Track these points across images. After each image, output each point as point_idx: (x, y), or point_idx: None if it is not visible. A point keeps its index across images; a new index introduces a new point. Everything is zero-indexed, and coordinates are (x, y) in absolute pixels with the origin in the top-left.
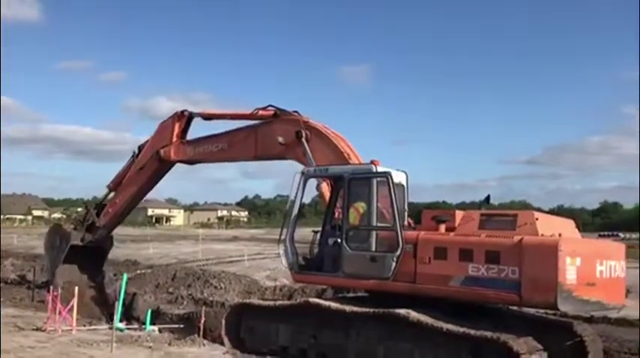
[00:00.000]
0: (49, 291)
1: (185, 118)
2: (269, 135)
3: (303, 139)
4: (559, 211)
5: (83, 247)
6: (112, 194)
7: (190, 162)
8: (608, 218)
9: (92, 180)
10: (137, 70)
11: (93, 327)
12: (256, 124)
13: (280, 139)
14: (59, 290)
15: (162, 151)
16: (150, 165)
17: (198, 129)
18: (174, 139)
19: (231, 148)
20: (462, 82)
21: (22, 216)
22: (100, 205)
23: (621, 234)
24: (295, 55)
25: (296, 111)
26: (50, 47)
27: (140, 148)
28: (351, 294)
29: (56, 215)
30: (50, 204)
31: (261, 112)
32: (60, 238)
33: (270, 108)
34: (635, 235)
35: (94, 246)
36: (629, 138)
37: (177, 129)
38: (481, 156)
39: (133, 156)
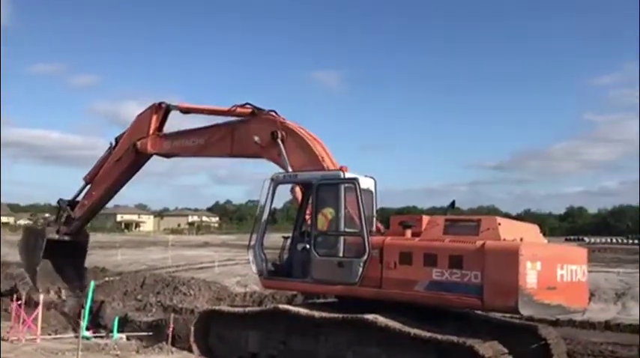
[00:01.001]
0: (12, 300)
1: (163, 110)
2: (245, 133)
3: (279, 140)
4: (526, 216)
5: (60, 243)
6: (87, 187)
7: (167, 155)
8: (574, 222)
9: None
10: (109, 74)
11: (58, 336)
12: (233, 122)
13: (256, 139)
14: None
15: (139, 143)
16: (127, 157)
17: (175, 123)
18: (152, 132)
19: (207, 144)
20: (432, 86)
21: None
22: (73, 201)
23: (586, 239)
24: (268, 58)
25: (273, 111)
26: (20, 50)
27: (117, 140)
28: (321, 300)
29: (22, 221)
30: (15, 210)
31: (239, 109)
32: (35, 236)
33: (247, 105)
34: (599, 239)
35: (71, 242)
36: (593, 144)
37: (155, 122)
38: (450, 161)
39: (109, 148)
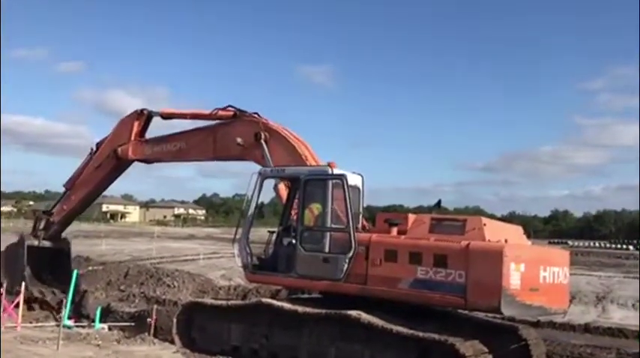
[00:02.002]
0: None
1: (144, 117)
2: (227, 135)
3: (262, 141)
4: (511, 217)
5: (42, 251)
6: (66, 194)
7: (148, 161)
8: (558, 225)
9: (44, 174)
10: (95, 61)
11: (40, 324)
12: (215, 124)
13: (239, 140)
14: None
15: (119, 150)
16: (107, 164)
17: (157, 129)
18: (133, 138)
19: (189, 148)
20: (422, 86)
21: None
22: (50, 212)
23: (570, 242)
24: (257, 52)
25: (256, 113)
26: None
27: (98, 145)
28: (305, 295)
29: (5, 208)
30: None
31: (220, 113)
32: (14, 248)
33: (229, 108)
34: (582, 243)
35: (52, 249)
36: (579, 148)
37: (136, 128)
38: (439, 161)
39: (90, 153)
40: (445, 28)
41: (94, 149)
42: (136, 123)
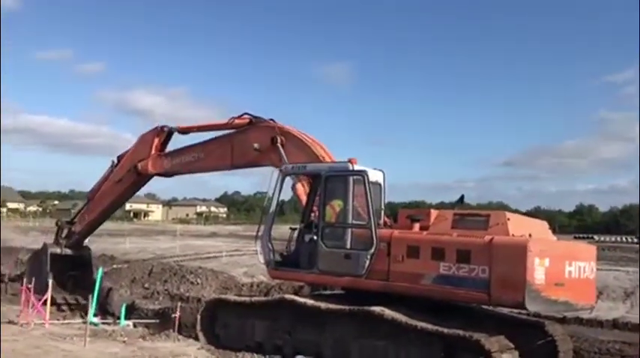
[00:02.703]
0: (22, 284)
1: (164, 134)
2: (244, 142)
3: (279, 144)
4: (536, 213)
5: (65, 259)
6: (88, 204)
7: (168, 174)
8: (583, 220)
9: (69, 174)
10: (116, 61)
11: (67, 321)
12: (232, 133)
13: (256, 145)
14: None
15: (139, 165)
16: (127, 178)
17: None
18: (153, 153)
19: (207, 158)
20: (442, 83)
21: None
22: (72, 221)
23: (596, 237)
24: (275, 51)
25: (272, 119)
26: (26, 36)
27: (119, 158)
28: (327, 292)
29: (32, 208)
30: (26, 196)
31: (236, 121)
32: (38, 256)
33: (245, 116)
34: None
35: (75, 257)
36: (606, 142)
37: (157, 144)
38: (460, 157)
39: (111, 165)
40: (465, 22)
41: (115, 162)
42: (156, 139)
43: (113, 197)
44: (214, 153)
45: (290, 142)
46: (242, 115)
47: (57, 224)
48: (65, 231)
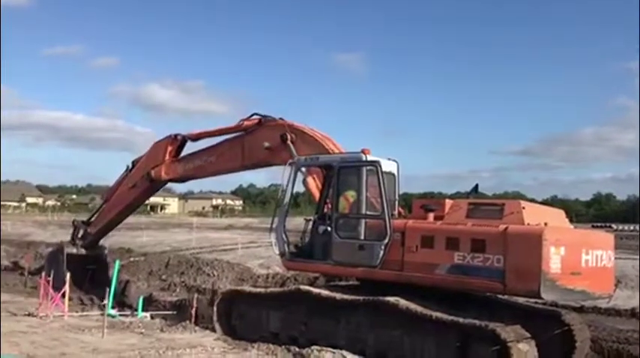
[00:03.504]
0: (41, 277)
1: (178, 142)
2: (255, 141)
3: (289, 142)
4: (552, 202)
5: (82, 258)
6: (104, 204)
7: (181, 179)
8: (601, 209)
9: (85, 168)
10: (129, 56)
11: (85, 313)
12: (242, 134)
13: (266, 144)
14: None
15: (153, 172)
16: (141, 184)
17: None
18: (166, 160)
19: (219, 160)
20: (457, 71)
21: (15, 203)
22: (88, 221)
23: (614, 226)
24: (289, 41)
25: (281, 118)
26: (39, 31)
27: (134, 163)
28: (342, 283)
29: (50, 202)
30: (44, 191)
31: (246, 123)
32: (55, 256)
33: (254, 116)
34: (627, 227)
35: (91, 257)
36: (623, 129)
37: (170, 151)
38: (475, 147)
39: (126, 169)
40: (479, 7)
41: (130, 166)
42: (169, 147)
43: (128, 201)
44: (225, 155)
45: (300, 139)
46: (251, 116)
47: (73, 224)
48: (81, 232)
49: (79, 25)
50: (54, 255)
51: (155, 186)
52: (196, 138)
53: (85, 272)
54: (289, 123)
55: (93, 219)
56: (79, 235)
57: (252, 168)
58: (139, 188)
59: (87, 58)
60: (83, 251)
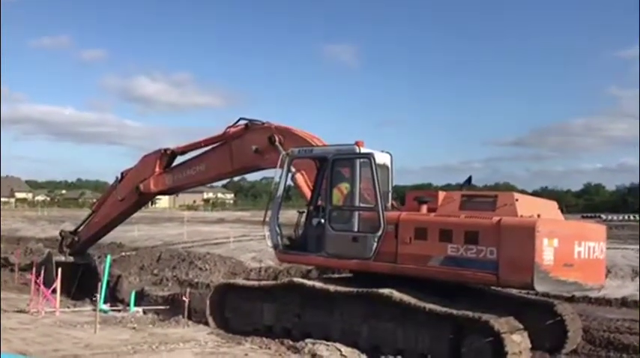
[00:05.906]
0: (32, 273)
1: (168, 156)
2: (242, 146)
3: (277, 143)
4: (543, 193)
5: (70, 266)
6: (92, 215)
7: (170, 191)
8: (591, 199)
9: (76, 163)
10: (117, 48)
11: (77, 309)
12: (230, 140)
13: (254, 147)
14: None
15: (141, 186)
16: (129, 198)
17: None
18: (156, 171)
19: (208, 168)
20: (448, 62)
21: (4, 199)
22: (75, 231)
23: (603, 216)
24: (280, 33)
25: (267, 122)
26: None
27: (123, 175)
28: (336, 275)
29: (40, 197)
30: (33, 186)
31: (232, 130)
32: (44, 265)
33: (240, 122)
34: (616, 216)
35: (79, 265)
36: (614, 119)
37: (159, 165)
38: (467, 138)
39: (115, 180)
40: (469, 1)
41: (120, 177)
42: (158, 162)
43: (116, 213)
44: (214, 161)
45: (288, 139)
46: (237, 122)
47: (60, 234)
48: (69, 241)
49: (65, 14)
50: (42, 265)
51: (144, 198)
52: (182, 151)
53: (74, 279)
54: (276, 125)
55: (80, 229)
56: (67, 243)
57: (242, 172)
58: (128, 201)
59: (74, 50)
60: (71, 258)
